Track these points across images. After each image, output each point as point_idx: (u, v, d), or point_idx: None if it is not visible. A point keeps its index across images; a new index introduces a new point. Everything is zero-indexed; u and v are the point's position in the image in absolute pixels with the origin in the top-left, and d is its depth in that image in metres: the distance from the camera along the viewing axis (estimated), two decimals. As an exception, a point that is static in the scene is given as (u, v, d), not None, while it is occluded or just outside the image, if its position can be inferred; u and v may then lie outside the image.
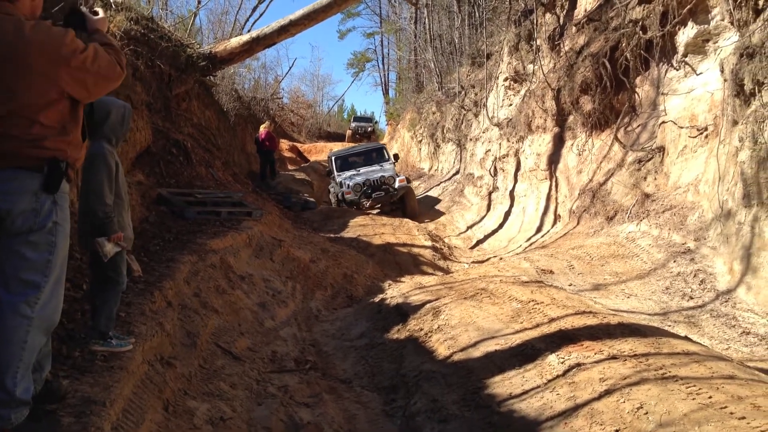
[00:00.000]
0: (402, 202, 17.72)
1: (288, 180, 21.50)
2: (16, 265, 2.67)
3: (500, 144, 17.55)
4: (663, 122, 10.10)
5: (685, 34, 9.70)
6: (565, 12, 14.84)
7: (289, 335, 6.62)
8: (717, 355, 4.53)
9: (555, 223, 12.93)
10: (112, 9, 9.81)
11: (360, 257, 11.03)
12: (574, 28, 13.89)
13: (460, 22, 28.38)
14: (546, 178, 14.04)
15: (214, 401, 4.24)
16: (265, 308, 7.05)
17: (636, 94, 11.17)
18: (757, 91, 6.87)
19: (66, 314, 3.99)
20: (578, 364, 4.22)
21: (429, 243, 13.00)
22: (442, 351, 5.35)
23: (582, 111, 12.46)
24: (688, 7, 9.34)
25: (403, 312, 6.88)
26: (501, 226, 15.36)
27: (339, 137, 46.33)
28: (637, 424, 3.28)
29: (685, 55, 9.83)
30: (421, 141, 31.74)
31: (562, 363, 4.34)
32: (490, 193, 17.75)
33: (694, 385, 3.55)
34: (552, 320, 5.34)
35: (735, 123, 7.31)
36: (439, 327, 5.90)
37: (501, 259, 11.26)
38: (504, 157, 17.15)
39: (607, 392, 3.70)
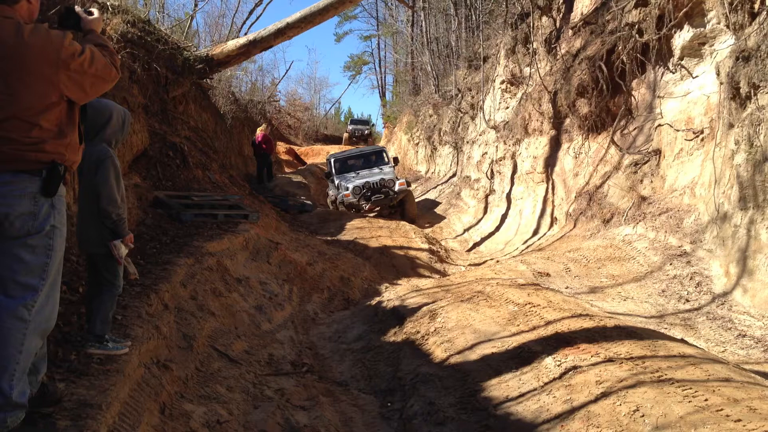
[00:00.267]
0: (401, 206, 17.57)
1: (285, 183, 21.49)
2: (13, 268, 2.67)
3: (497, 147, 17.57)
4: (659, 125, 10.12)
5: (681, 38, 9.72)
6: (561, 15, 14.87)
7: (286, 338, 6.62)
8: (713, 358, 4.53)
9: (551, 225, 12.95)
10: (109, 11, 9.80)
11: (357, 260, 11.03)
12: (570, 31, 13.92)
13: (456, 25, 28.39)
14: (542, 181, 14.06)
15: (210, 404, 4.23)
16: (262, 311, 7.04)
17: (632, 97, 11.19)
18: (752, 94, 6.89)
19: (62, 317, 3.98)
20: (575, 367, 4.22)
21: (426, 246, 13.00)
22: (438, 354, 5.35)
23: (578, 114, 12.48)
24: (684, 10, 9.37)
25: (400, 315, 6.88)
26: (498, 228, 15.37)
27: (336, 140, 46.31)
28: (634, 427, 3.29)
29: (681, 58, 9.85)
30: (417, 144, 31.79)
31: (558, 366, 4.35)
32: (486, 196, 17.77)
33: (690, 388, 3.56)
34: (548, 323, 5.34)
35: (731, 126, 7.33)
36: (435, 330, 5.90)
37: (498, 261, 11.27)
38: (501, 160, 17.17)
39: (604, 395, 3.70)
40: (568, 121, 13.26)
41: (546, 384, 4.16)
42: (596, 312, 5.98)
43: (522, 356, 4.75)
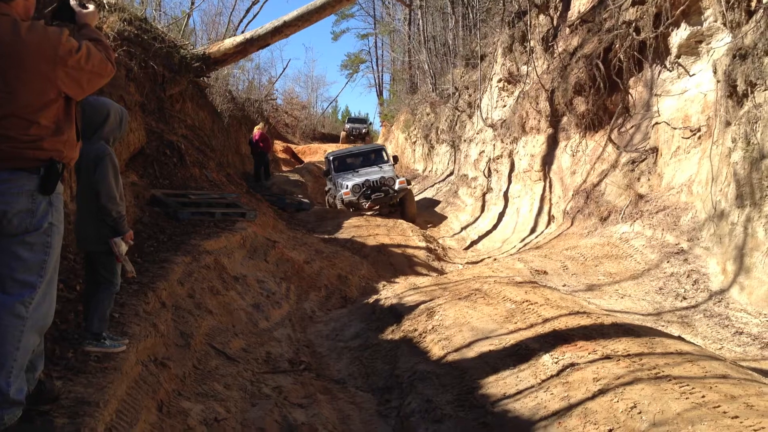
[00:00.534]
0: (401, 205, 17.31)
1: (282, 181, 21.47)
2: (11, 266, 2.67)
3: (494, 145, 17.58)
4: (656, 123, 10.14)
5: (678, 36, 9.74)
6: (558, 13, 14.88)
7: (284, 336, 6.62)
8: (710, 355, 4.54)
9: (549, 223, 12.96)
10: (106, 9, 9.79)
11: (354, 258, 11.02)
12: (567, 29, 13.93)
13: (453, 23, 28.42)
14: (540, 179, 14.07)
15: (208, 402, 4.23)
16: (260, 309, 7.04)
17: (629, 95, 11.20)
18: (749, 92, 6.90)
19: (59, 315, 3.98)
20: (572, 364, 4.23)
21: (423, 244, 13.00)
22: (436, 351, 5.35)
23: (576, 112, 12.49)
24: (681, 8, 9.38)
25: (398, 313, 6.88)
26: (495, 227, 15.38)
27: (333, 138, 46.26)
28: (631, 424, 3.29)
29: (678, 57, 9.86)
30: (415, 142, 31.81)
31: (556, 363, 4.35)
32: (484, 194, 17.78)
33: (688, 385, 3.56)
34: (546, 320, 5.35)
35: (728, 124, 7.34)
36: (433, 327, 5.91)
37: (495, 259, 11.27)
38: (498, 158, 17.18)
39: (601, 392, 3.71)
40: (565, 119, 13.27)
41: (543, 381, 4.16)
42: (593, 309, 5.99)
43: (519, 354, 4.75)
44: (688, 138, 9.24)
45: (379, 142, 40.94)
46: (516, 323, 5.48)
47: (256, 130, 19.58)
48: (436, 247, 13.42)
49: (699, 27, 9.31)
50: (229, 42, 13.59)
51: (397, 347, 5.86)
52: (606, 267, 8.49)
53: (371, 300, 8.11)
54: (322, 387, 5.19)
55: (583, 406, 3.64)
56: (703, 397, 3.38)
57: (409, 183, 18.79)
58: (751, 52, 6.93)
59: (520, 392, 4.13)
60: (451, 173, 23.27)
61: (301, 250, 10.27)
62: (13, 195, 2.66)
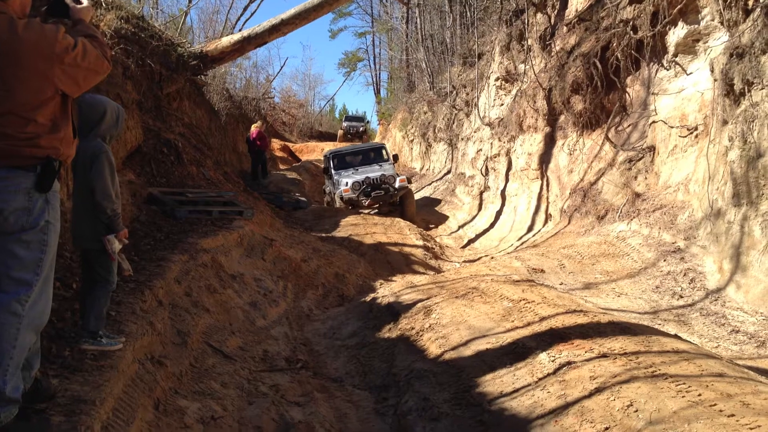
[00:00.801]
0: (401, 204, 17.12)
1: (279, 179, 21.47)
2: (7, 264, 2.67)
3: (491, 143, 17.59)
4: (653, 122, 10.15)
5: (676, 34, 9.75)
6: (556, 12, 14.89)
7: (281, 334, 6.61)
8: (706, 353, 4.55)
9: (546, 222, 12.98)
10: (103, 7, 9.77)
11: (351, 257, 11.02)
12: (565, 28, 13.93)
13: (451, 21, 28.42)
14: (537, 178, 14.08)
15: (204, 400, 4.23)
16: (257, 307, 7.03)
17: (627, 94, 11.22)
18: (746, 90, 6.91)
19: (56, 313, 3.97)
20: (569, 363, 4.23)
21: (420, 242, 13.00)
22: (433, 350, 5.35)
23: (573, 111, 12.50)
24: (679, 7, 9.39)
25: (395, 311, 6.88)
26: (492, 225, 15.39)
27: (330, 137, 46.23)
28: (627, 422, 3.29)
29: (675, 55, 9.88)
30: (412, 141, 31.80)
31: (552, 361, 4.35)
32: (481, 193, 17.79)
33: (684, 383, 3.57)
34: (543, 319, 5.35)
35: (725, 122, 7.35)
36: (430, 326, 5.91)
37: (492, 258, 11.28)
38: (495, 157, 17.19)
39: (598, 390, 3.71)
40: (562, 117, 13.29)
41: (540, 379, 4.16)
42: (590, 308, 6.00)
43: (516, 352, 4.75)
44: (685, 137, 9.25)
45: (377, 140, 40.95)
46: (513, 321, 5.48)
47: (254, 129, 19.57)
48: (434, 246, 13.43)
49: (696, 26, 9.32)
50: (227, 40, 13.58)
51: (394, 345, 5.86)
52: (603, 265, 8.50)
53: (368, 298, 8.11)
54: (319, 385, 5.19)
55: (579, 404, 3.64)
56: (700, 395, 3.39)
57: (409, 181, 18.63)
58: (748, 51, 6.94)
59: (516, 390, 4.13)
60: (449, 172, 23.27)
61: (299, 249, 10.27)
62: (9, 193, 2.66)
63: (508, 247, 12.81)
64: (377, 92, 55.61)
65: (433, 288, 7.56)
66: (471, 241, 15.06)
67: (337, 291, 9.13)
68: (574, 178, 12.25)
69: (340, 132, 42.64)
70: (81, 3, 3.16)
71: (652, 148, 10.13)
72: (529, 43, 15.71)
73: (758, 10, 7.12)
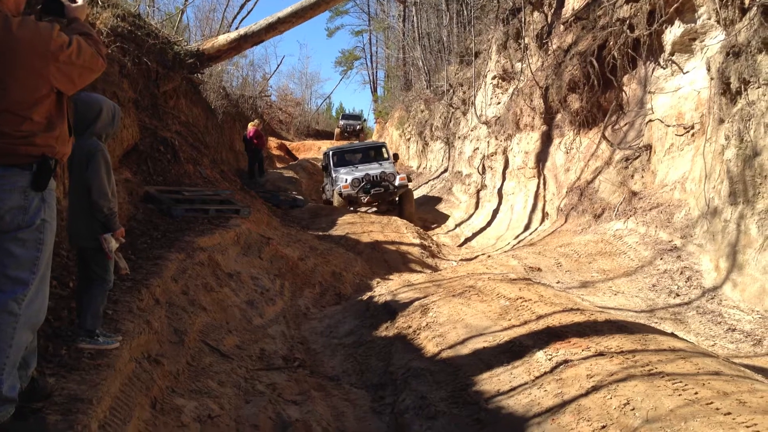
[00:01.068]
0: (400, 203, 16.98)
1: (276, 178, 21.46)
2: (3, 263, 2.67)
3: (488, 142, 17.59)
4: (650, 121, 10.16)
5: (672, 33, 9.76)
6: (553, 10, 14.89)
7: (278, 333, 6.61)
8: (703, 352, 4.56)
9: (543, 220, 12.98)
10: (99, 5, 9.75)
11: (348, 255, 11.02)
12: (562, 26, 13.94)
13: (448, 20, 28.39)
14: (534, 176, 14.08)
15: (201, 399, 4.23)
16: (254, 306, 7.03)
17: (623, 93, 11.22)
18: (743, 89, 6.92)
19: (52, 312, 3.96)
20: (566, 361, 4.23)
21: (417, 241, 13.01)
22: (430, 348, 5.36)
23: (570, 109, 12.51)
24: (675, 5, 9.40)
25: (392, 309, 6.88)
26: (489, 223, 15.40)
27: (327, 135, 46.21)
28: (624, 420, 3.30)
29: (672, 54, 9.88)
30: (409, 139, 31.79)
31: (549, 360, 4.36)
32: (478, 191, 17.79)
33: (681, 381, 3.57)
34: (540, 317, 5.36)
35: (721, 121, 7.36)
36: (427, 324, 5.91)
37: (489, 256, 11.29)
38: (492, 155, 17.19)
39: (594, 388, 3.71)
40: (559, 116, 13.29)
41: (537, 378, 4.17)
42: (587, 306, 6.00)
43: (513, 350, 4.75)
44: (682, 135, 9.26)
45: (373, 138, 40.94)
46: (510, 320, 5.48)
47: (251, 127, 19.54)
48: (430, 244, 13.44)
49: (693, 24, 9.33)
50: (223, 38, 13.56)
51: (391, 344, 5.86)
52: (599, 264, 8.51)
53: (365, 297, 8.11)
54: (316, 384, 5.19)
55: (576, 402, 3.65)
56: (696, 393, 3.39)
57: (409, 180, 18.49)
58: (744, 50, 6.95)
59: (513, 389, 4.14)
60: (446, 170, 23.27)
61: (296, 247, 10.26)
62: (5, 191, 2.66)
63: (505, 246, 12.82)
64: (374, 91, 55.62)
65: (430, 286, 7.56)
66: (468, 240, 15.06)
67: (334, 289, 9.13)
68: (570, 177, 12.25)
69: (336, 130, 42.62)
70: (76, 1, 3.15)
71: (648, 147, 10.14)
72: (526, 41, 15.71)
73: (754, 8, 7.13)
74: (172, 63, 12.16)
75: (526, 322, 5.30)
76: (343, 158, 18.42)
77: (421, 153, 29.21)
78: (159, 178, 9.73)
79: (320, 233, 12.85)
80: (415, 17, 33.02)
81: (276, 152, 32.87)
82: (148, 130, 10.08)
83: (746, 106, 6.82)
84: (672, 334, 5.30)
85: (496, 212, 15.66)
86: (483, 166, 17.98)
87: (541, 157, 13.93)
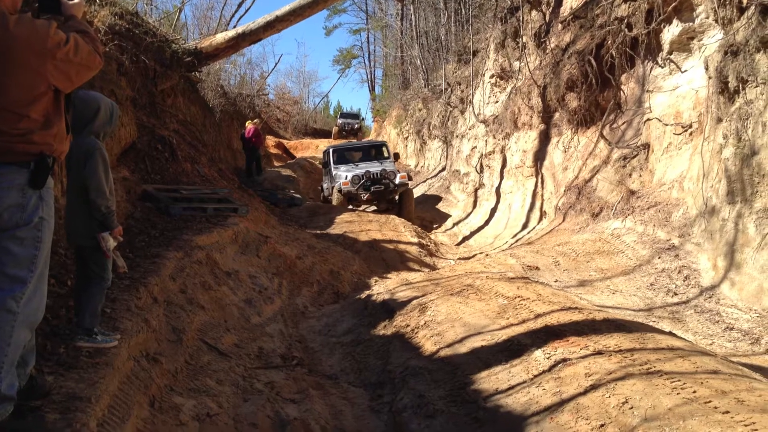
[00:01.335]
0: (400, 203, 16.90)
1: (274, 176, 21.45)
2: (2, 261, 2.66)
3: (486, 141, 17.59)
4: (648, 119, 10.16)
5: (670, 32, 9.76)
6: (551, 9, 14.90)
7: (276, 331, 6.61)
8: (701, 351, 4.56)
9: (541, 219, 12.99)
10: (97, 3, 9.73)
11: (346, 254, 11.02)
12: (560, 25, 13.94)
13: (446, 19, 28.40)
14: (532, 175, 14.09)
15: (200, 397, 4.22)
16: (252, 304, 7.03)
17: (621, 92, 11.23)
18: (741, 88, 6.93)
19: (50, 310, 3.96)
20: (564, 360, 4.24)
21: (415, 239, 13.01)
22: (428, 347, 5.36)
23: (568, 108, 12.51)
24: (673, 4, 9.40)
25: (390, 308, 6.88)
26: (487, 222, 15.40)
27: (325, 134, 46.21)
28: (623, 419, 3.30)
29: (670, 53, 9.89)
30: (407, 138, 31.80)
31: (548, 358, 4.36)
32: (476, 190, 17.80)
33: (679, 380, 3.58)
34: (538, 316, 5.36)
35: (719, 120, 7.37)
36: (425, 323, 5.91)
37: (487, 255, 11.28)
38: (490, 154, 17.19)
39: (593, 387, 3.72)
40: (557, 115, 13.29)
41: (535, 376, 4.17)
42: (585, 305, 6.01)
43: (511, 349, 4.76)
44: (680, 134, 9.27)
45: (371, 137, 40.94)
46: (508, 319, 5.48)
47: (251, 126, 19.53)
48: (428, 243, 13.44)
49: (691, 23, 9.33)
50: (221, 37, 13.54)
51: (389, 343, 5.86)
52: (597, 263, 8.52)
53: (363, 295, 8.10)
54: (315, 382, 5.19)
55: (575, 401, 3.65)
56: (695, 392, 3.40)
57: (410, 178, 18.39)
58: (742, 49, 6.95)
59: (512, 388, 4.14)
60: (443, 169, 23.27)
61: (294, 246, 10.26)
62: (3, 189, 2.65)
63: (502, 245, 12.83)
64: (372, 89, 55.63)
65: (428, 285, 7.56)
66: (466, 239, 15.07)
67: (332, 288, 9.13)
68: (568, 176, 12.26)
69: (335, 129, 42.61)
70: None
71: (646, 146, 10.15)
72: (524, 40, 15.71)
73: (752, 8, 7.13)
74: (170, 61, 12.15)
75: (524, 321, 5.31)
76: (343, 156, 18.37)
77: (418, 152, 29.22)
78: (157, 177, 9.73)
79: (318, 232, 12.85)
80: (413, 16, 33.01)
81: (274, 151, 32.88)
82: (146, 129, 10.08)
83: (744, 105, 6.83)
84: (670, 333, 5.31)
85: (494, 211, 15.66)
86: (481, 164, 17.98)
87: (539, 156, 13.94)
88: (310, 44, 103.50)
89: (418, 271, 10.70)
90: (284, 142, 38.26)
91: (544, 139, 13.91)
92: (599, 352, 4.24)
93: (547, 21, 14.89)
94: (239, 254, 8.39)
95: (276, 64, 77.20)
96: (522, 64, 15.52)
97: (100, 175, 3.81)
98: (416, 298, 6.90)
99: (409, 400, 4.45)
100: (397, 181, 16.57)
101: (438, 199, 20.54)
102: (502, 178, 16.13)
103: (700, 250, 7.51)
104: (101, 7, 9.76)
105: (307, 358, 5.98)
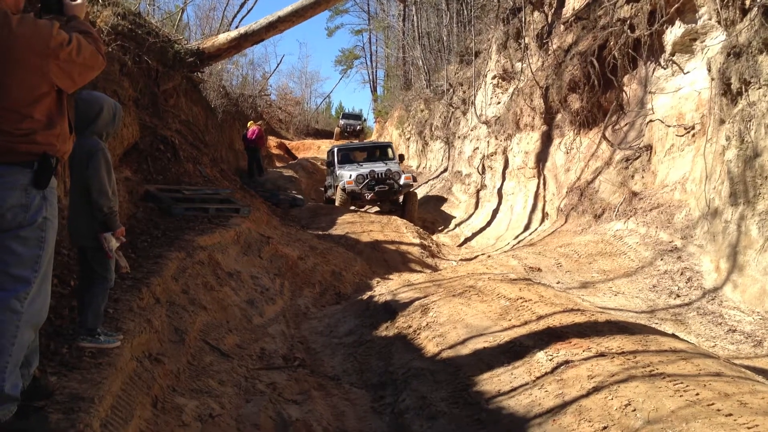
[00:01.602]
0: (404, 205, 16.80)
1: (276, 177, 21.45)
2: (5, 261, 2.66)
3: (488, 142, 17.59)
4: (650, 121, 10.16)
5: (673, 33, 9.75)
6: (553, 10, 14.88)
7: (278, 332, 6.61)
8: (704, 353, 4.56)
9: (543, 221, 12.98)
10: (99, 4, 9.74)
11: (348, 254, 11.02)
12: (562, 26, 13.93)
13: (448, 19, 28.41)
14: (534, 176, 14.08)
15: (202, 398, 4.23)
16: (254, 305, 7.03)
17: (624, 93, 11.22)
18: (743, 90, 6.92)
19: (53, 310, 3.96)
20: (566, 362, 4.23)
21: (417, 240, 13.00)
22: (430, 348, 5.35)
23: (570, 109, 12.51)
24: (676, 6, 9.40)
25: (392, 309, 6.88)
26: (489, 223, 15.39)
27: (327, 134, 46.22)
28: (625, 421, 3.30)
29: (672, 54, 9.88)
30: (409, 138, 31.81)
31: (550, 360, 4.36)
32: (478, 191, 17.79)
33: (682, 383, 3.57)
34: (540, 318, 5.35)
35: (722, 122, 7.36)
36: (427, 324, 5.91)
37: (489, 256, 11.29)
38: (492, 155, 17.19)
39: (596, 389, 3.71)
40: (559, 116, 13.29)
41: (538, 378, 4.16)
42: (588, 307, 6.00)
43: (514, 351, 4.75)
44: (682, 136, 9.26)
45: (373, 138, 40.95)
46: (510, 320, 5.48)
47: (254, 126, 19.53)
48: (430, 244, 13.44)
49: (693, 25, 9.33)
50: (223, 37, 13.54)
51: (391, 344, 5.86)
52: (600, 264, 8.51)
53: (365, 296, 8.11)
54: (317, 383, 5.19)
55: (577, 403, 3.65)
56: (697, 394, 3.39)
57: (415, 180, 18.28)
58: (745, 51, 6.95)
59: (514, 389, 4.14)
60: (445, 170, 23.26)
61: (295, 246, 10.26)
62: (6, 189, 2.65)
63: (504, 246, 12.82)
64: (374, 90, 55.65)
65: (430, 286, 7.56)
66: (467, 240, 15.06)
67: (333, 289, 9.13)
68: (570, 177, 12.25)
69: (336, 129, 42.55)
70: (75, 0, 3.15)
71: (649, 147, 10.14)
72: (526, 41, 15.70)
73: (755, 9, 7.13)
74: (173, 61, 12.15)
75: (526, 323, 5.30)
76: (348, 156, 18.31)
77: (420, 152, 29.23)
78: (159, 177, 9.73)
79: (320, 232, 12.85)
80: (415, 16, 33.05)
81: (275, 151, 32.88)
82: (149, 129, 10.08)
83: (747, 107, 6.82)
84: (673, 335, 5.30)
85: (495, 212, 15.65)
86: (483, 165, 17.98)
87: (541, 157, 13.93)
88: (312, 45, 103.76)
89: (420, 272, 10.70)
90: (286, 142, 38.28)
91: (546, 140, 13.90)
92: (602, 354, 4.23)
93: (550, 22, 14.88)
94: (241, 255, 8.39)
95: (278, 65, 77.52)
96: (524, 65, 15.51)
97: (103, 176, 3.82)
98: (418, 299, 6.90)
99: (411, 401, 4.45)
100: (401, 181, 16.47)
101: (440, 200, 20.48)
102: (504, 179, 16.13)
103: (703, 252, 7.50)
104: (104, 7, 9.76)
105: (309, 359, 5.98)
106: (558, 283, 7.97)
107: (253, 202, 11.97)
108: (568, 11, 13.92)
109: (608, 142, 11.24)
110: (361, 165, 17.38)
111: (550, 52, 14.13)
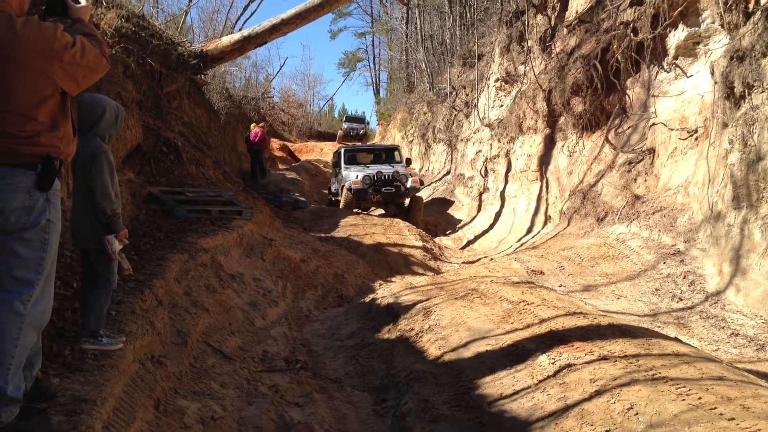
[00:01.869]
0: (409, 209, 16.62)
1: (279, 179, 21.45)
2: (9, 263, 2.66)
3: (491, 145, 17.58)
4: (653, 124, 10.16)
5: (676, 37, 9.75)
6: (556, 13, 14.89)
7: (280, 335, 6.61)
8: (706, 357, 4.55)
9: (545, 224, 12.98)
10: (103, 6, 9.76)
11: (351, 257, 11.02)
12: (565, 29, 13.94)
13: (451, 22, 28.42)
14: (537, 179, 14.08)
15: (204, 400, 4.23)
16: (256, 307, 7.03)
17: (627, 96, 11.22)
18: (747, 93, 6.92)
19: (56, 312, 3.97)
20: (569, 365, 4.23)
21: (420, 243, 12.99)
22: (432, 351, 5.35)
23: (573, 112, 12.51)
24: (679, 9, 9.40)
25: (394, 312, 6.87)
26: (491, 226, 15.38)
27: (330, 137, 46.20)
28: (628, 425, 3.29)
29: (675, 58, 9.88)
30: (412, 141, 31.82)
31: (552, 363, 4.35)
32: (480, 194, 17.78)
33: (684, 386, 3.57)
34: (542, 321, 5.35)
35: (725, 125, 7.36)
36: (429, 327, 5.90)
37: (491, 259, 11.28)
38: (495, 158, 17.19)
39: (598, 393, 3.71)
40: (562, 119, 13.29)
41: (540, 382, 4.16)
42: (590, 310, 5.99)
43: (516, 354, 4.75)
44: (685, 139, 9.26)
45: (376, 141, 40.93)
46: (513, 323, 5.48)
47: (257, 129, 19.54)
48: (433, 247, 13.43)
49: (697, 28, 9.32)
50: (227, 39, 13.57)
51: (393, 347, 5.86)
52: (602, 268, 8.50)
53: (368, 299, 8.10)
54: (319, 386, 5.18)
55: (579, 407, 3.64)
56: (700, 398, 3.39)
57: (421, 183, 18.06)
58: (748, 54, 6.95)
59: (516, 393, 4.13)
60: (448, 172, 23.25)
61: (298, 249, 10.26)
62: (10, 192, 2.66)
63: (507, 249, 12.81)
64: (377, 92, 55.67)
65: (432, 289, 7.56)
66: (470, 243, 15.05)
67: (336, 291, 9.13)
68: (573, 180, 12.25)
69: (339, 133, 42.39)
70: (79, 2, 3.15)
71: (651, 151, 10.14)
72: (529, 44, 15.71)
73: (759, 13, 7.13)
74: (176, 64, 12.17)
75: (528, 326, 5.30)
76: (354, 158, 18.21)
77: (423, 155, 29.23)
78: (162, 179, 9.74)
79: (323, 235, 12.85)
80: (418, 19, 33.04)
81: (278, 153, 32.91)
82: (152, 131, 10.09)
83: (750, 111, 6.82)
84: (675, 339, 5.30)
85: (498, 215, 15.64)
86: (485, 168, 17.97)
87: (544, 160, 13.93)
88: (315, 47, 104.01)
89: (423, 274, 10.69)
90: (289, 144, 38.29)
91: (549, 143, 13.90)
92: (604, 358, 4.23)
93: (553, 25, 14.88)
94: (244, 257, 8.39)
95: (281, 67, 77.49)
96: (527, 68, 15.52)
97: (106, 178, 3.82)
98: (421, 302, 6.90)
99: (413, 404, 4.45)
100: (408, 184, 16.31)
101: (443, 202, 20.40)
102: (506, 182, 16.12)
103: (706, 255, 7.50)
104: (108, 9, 9.78)
105: (311, 362, 5.98)
106: (560, 286, 7.97)
107: (256, 205, 11.97)
108: (571, 14, 13.92)
109: (611, 146, 11.23)
110: (368, 167, 17.21)
111: (553, 56, 14.13)
